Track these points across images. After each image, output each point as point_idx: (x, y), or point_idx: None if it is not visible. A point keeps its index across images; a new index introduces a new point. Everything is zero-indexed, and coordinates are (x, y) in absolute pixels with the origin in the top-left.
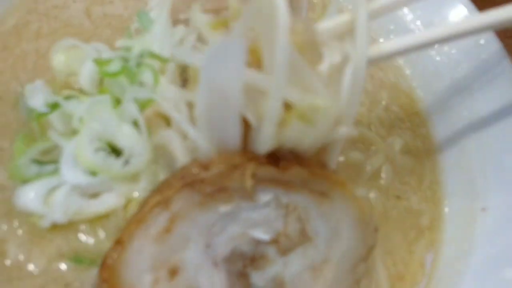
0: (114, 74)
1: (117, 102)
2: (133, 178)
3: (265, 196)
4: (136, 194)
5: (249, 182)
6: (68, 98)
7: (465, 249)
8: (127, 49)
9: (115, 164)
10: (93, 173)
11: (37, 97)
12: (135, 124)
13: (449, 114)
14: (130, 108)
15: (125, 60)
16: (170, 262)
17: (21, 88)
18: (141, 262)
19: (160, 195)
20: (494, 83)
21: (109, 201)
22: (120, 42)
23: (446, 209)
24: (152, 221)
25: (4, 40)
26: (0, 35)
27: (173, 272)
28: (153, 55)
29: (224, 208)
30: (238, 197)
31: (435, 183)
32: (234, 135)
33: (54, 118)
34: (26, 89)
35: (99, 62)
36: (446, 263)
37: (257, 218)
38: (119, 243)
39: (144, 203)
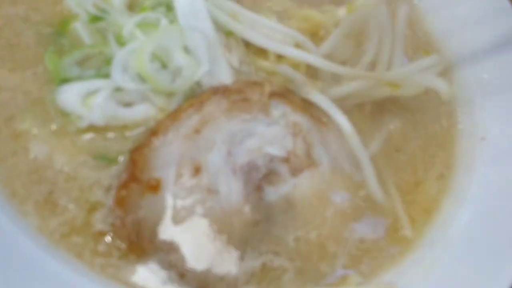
0: None
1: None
2: (170, 93)
3: (276, 111)
4: (169, 107)
5: (267, 88)
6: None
7: (466, 173)
8: None
9: (165, 77)
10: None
11: (86, 3)
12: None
13: (451, 49)
14: (195, 39)
15: None
16: (195, 161)
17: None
18: (169, 154)
19: (195, 99)
20: (496, 21)
21: (143, 111)
22: None
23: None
24: (185, 120)
25: None
26: None
27: (197, 170)
28: None
29: (245, 116)
30: (256, 109)
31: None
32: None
33: (85, 32)
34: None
35: None
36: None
37: (271, 134)
38: (153, 133)
39: (180, 106)
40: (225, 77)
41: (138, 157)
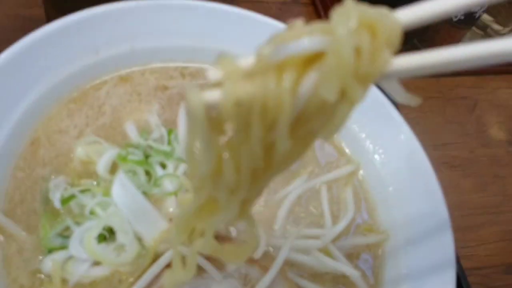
0: (136, 162)
1: None
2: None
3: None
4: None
5: None
6: (83, 191)
7: None
8: (136, 146)
9: (110, 253)
10: None
11: (57, 191)
12: None
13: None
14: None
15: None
16: None
17: (48, 180)
18: None
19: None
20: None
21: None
22: (136, 138)
23: None
24: None
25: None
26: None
27: None
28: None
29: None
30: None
31: None
32: None
33: (73, 204)
34: (51, 184)
35: (122, 156)
36: None
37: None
38: None
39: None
40: None
41: None
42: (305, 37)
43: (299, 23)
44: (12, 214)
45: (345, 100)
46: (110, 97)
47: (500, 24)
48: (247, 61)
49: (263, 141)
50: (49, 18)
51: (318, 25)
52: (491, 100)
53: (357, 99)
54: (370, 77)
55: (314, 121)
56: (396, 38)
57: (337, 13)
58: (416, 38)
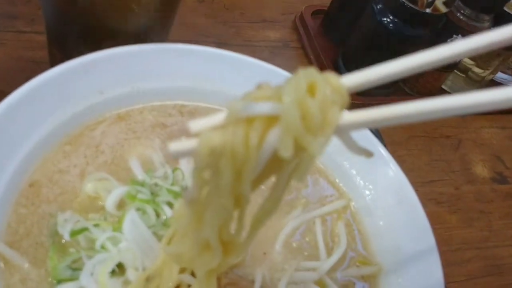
0: (145, 201)
1: None
2: None
3: None
4: None
5: (223, 280)
6: (96, 225)
7: None
8: (142, 184)
9: (117, 286)
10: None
11: (67, 225)
12: None
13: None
14: None
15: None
16: None
17: (55, 216)
18: None
19: None
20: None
21: None
22: (141, 175)
23: None
24: None
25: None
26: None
27: None
28: (172, 192)
29: None
30: None
31: None
32: None
33: (80, 237)
34: (59, 218)
35: (131, 194)
36: None
37: None
38: None
39: None
40: None
41: None
42: (264, 101)
43: (265, 85)
44: (18, 246)
45: (305, 152)
46: (106, 136)
47: (481, 68)
48: (221, 116)
49: (233, 190)
50: (53, 61)
51: (280, 89)
52: (474, 139)
53: (315, 151)
54: (324, 130)
55: (283, 168)
56: (342, 97)
57: (288, 82)
58: (401, 80)
